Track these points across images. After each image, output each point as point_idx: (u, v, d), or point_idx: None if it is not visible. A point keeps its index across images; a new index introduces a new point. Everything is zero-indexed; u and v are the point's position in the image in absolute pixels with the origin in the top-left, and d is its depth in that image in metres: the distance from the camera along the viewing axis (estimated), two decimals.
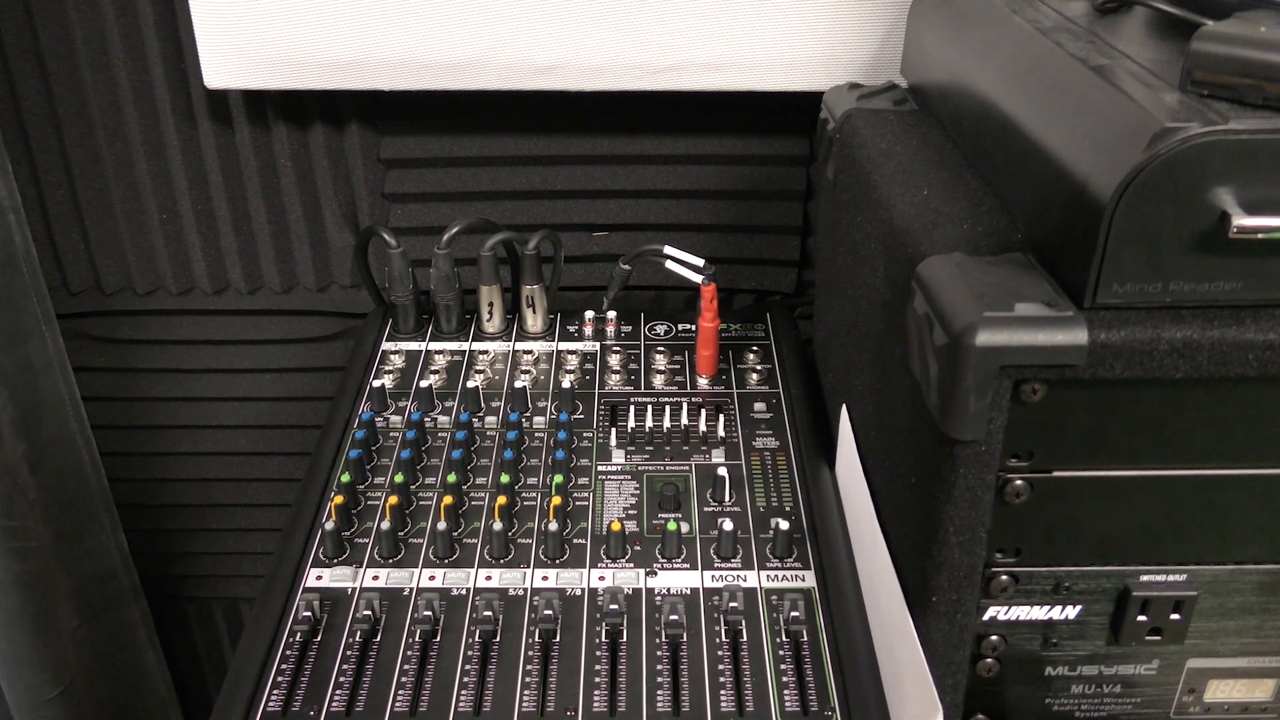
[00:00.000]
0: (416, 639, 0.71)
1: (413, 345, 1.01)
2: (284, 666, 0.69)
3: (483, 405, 0.93)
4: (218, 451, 1.25)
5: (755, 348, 1.00)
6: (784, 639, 0.71)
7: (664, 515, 0.81)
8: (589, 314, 1.04)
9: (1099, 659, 0.63)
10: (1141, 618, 0.61)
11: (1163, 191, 0.49)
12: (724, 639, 0.71)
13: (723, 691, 0.67)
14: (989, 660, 0.63)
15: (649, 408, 0.92)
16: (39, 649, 1.12)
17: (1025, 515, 0.58)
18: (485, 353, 1.00)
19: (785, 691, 0.67)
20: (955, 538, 0.57)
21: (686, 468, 0.86)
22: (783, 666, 0.69)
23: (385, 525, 0.77)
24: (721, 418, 0.91)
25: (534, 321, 1.03)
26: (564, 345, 1.01)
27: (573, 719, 0.65)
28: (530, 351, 1.00)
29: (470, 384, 0.92)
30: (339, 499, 0.80)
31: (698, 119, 1.08)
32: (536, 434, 0.90)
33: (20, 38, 1.03)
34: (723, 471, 0.83)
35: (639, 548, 0.78)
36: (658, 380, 0.96)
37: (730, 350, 1.00)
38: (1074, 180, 0.52)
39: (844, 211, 0.80)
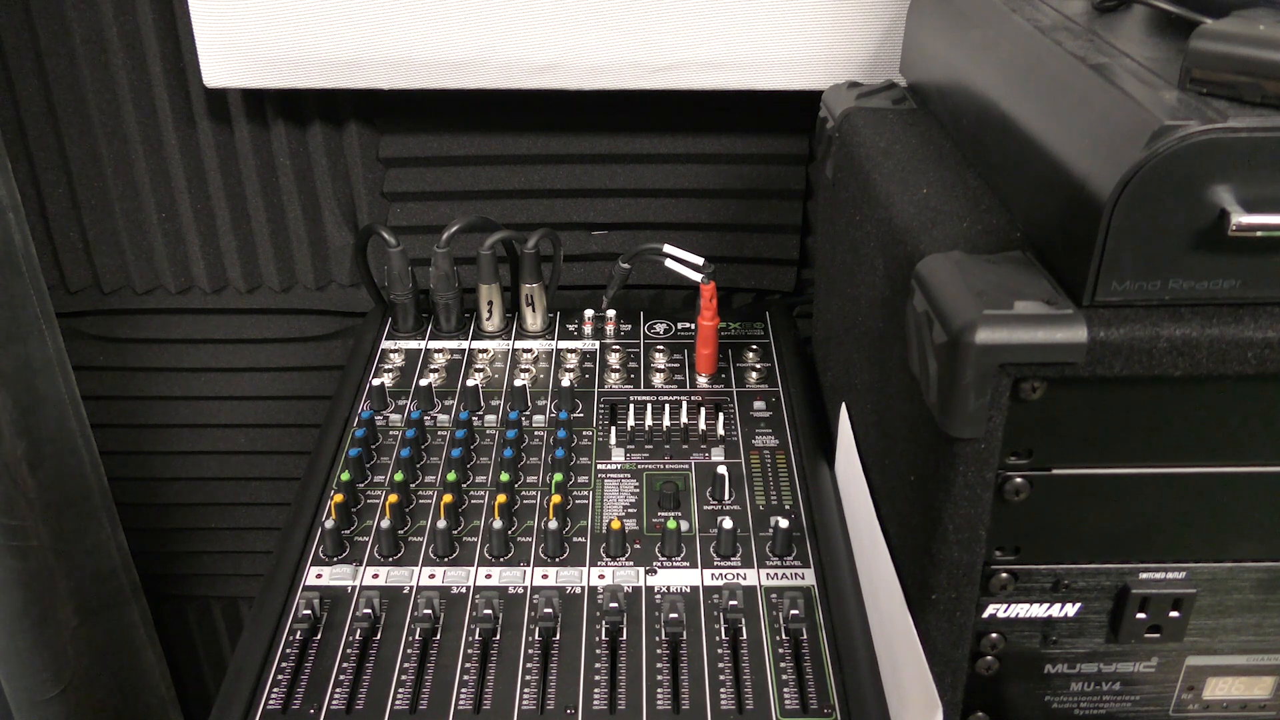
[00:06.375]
0: (416, 637, 0.71)
1: (412, 344, 1.01)
2: (284, 665, 0.69)
3: (482, 404, 0.93)
4: (217, 450, 1.25)
5: (754, 346, 1.00)
6: (783, 637, 0.71)
7: (664, 513, 0.81)
8: (588, 313, 1.04)
9: (1098, 657, 0.63)
10: (1140, 615, 0.61)
11: (1162, 189, 0.49)
12: (724, 637, 0.71)
13: (722, 689, 0.67)
14: (988, 658, 0.63)
15: (648, 406, 0.92)
16: (39, 648, 1.13)
17: (1024, 513, 0.58)
18: (485, 351, 1.00)
19: (785, 690, 0.67)
20: (954, 536, 0.58)
21: (686, 466, 0.86)
22: (782, 665, 0.69)
23: (385, 523, 0.77)
24: (721, 416, 0.91)
25: (533, 320, 1.03)
26: (563, 344, 1.01)
27: (573, 717, 0.66)
28: (530, 350, 1.00)
29: (470, 382, 0.92)
30: (339, 497, 0.80)
31: (697, 118, 1.08)
32: (536, 432, 0.90)
33: (19, 37, 1.03)
34: (722, 470, 0.83)
35: (639, 546, 0.78)
36: (657, 379, 0.96)
37: (729, 349, 1.00)
38: (1073, 178, 0.52)
39: (843, 210, 0.80)
